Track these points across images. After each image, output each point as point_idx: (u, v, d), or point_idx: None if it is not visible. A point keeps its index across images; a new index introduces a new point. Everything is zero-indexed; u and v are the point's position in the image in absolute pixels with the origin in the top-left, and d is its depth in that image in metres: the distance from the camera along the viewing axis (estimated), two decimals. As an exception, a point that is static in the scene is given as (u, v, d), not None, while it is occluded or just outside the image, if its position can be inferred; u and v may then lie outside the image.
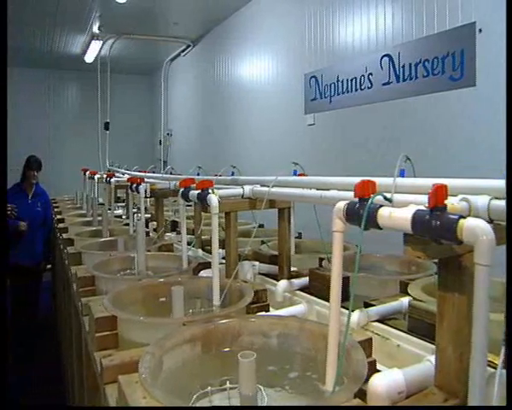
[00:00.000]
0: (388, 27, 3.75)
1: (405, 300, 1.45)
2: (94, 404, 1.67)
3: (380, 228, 0.91)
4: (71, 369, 2.80)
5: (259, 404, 0.99)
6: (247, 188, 1.70)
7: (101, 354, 1.18)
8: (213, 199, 1.46)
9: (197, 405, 1.00)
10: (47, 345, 4.94)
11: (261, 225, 2.70)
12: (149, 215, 3.28)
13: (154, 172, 3.52)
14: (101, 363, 1.13)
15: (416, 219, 0.82)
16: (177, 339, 1.07)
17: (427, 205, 0.83)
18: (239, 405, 0.97)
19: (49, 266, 5.52)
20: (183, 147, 8.58)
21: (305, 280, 1.75)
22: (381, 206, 0.91)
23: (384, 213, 0.89)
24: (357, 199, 0.96)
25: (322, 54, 4.61)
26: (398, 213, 0.86)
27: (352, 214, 0.95)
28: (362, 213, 0.92)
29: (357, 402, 0.88)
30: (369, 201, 0.92)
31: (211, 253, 2.26)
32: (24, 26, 7.12)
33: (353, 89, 4.10)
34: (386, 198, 0.95)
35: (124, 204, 4.49)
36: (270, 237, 2.35)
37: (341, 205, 0.96)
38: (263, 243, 2.23)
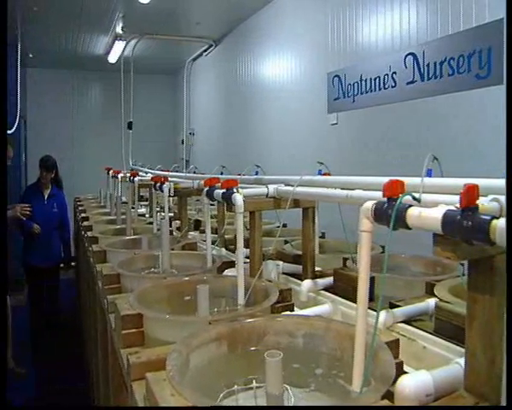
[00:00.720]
0: (413, 25, 3.71)
1: (431, 301, 1.43)
2: (120, 401, 1.69)
3: (408, 228, 0.90)
4: (96, 367, 2.84)
5: (286, 404, 0.98)
6: (272, 187, 1.69)
7: (128, 352, 1.19)
8: (238, 198, 1.46)
9: (223, 403, 1.00)
10: (71, 343, 4.98)
11: (284, 225, 2.70)
12: (172, 214, 3.30)
13: (177, 172, 3.55)
14: (128, 360, 1.15)
15: (447, 219, 0.81)
16: (203, 338, 1.08)
17: (457, 205, 0.82)
18: (265, 404, 0.97)
19: (72, 264, 5.59)
20: (205, 146, 8.61)
21: (329, 280, 1.74)
22: (410, 206, 0.90)
23: (413, 213, 0.88)
24: (385, 199, 0.95)
25: (346, 52, 4.58)
26: (428, 213, 0.85)
27: (380, 214, 0.94)
28: (390, 213, 0.91)
29: (385, 403, 0.87)
30: (398, 200, 0.91)
31: (234, 252, 2.29)
32: (49, 29, 7.25)
33: (377, 88, 4.07)
34: (414, 198, 0.94)
35: (147, 203, 4.54)
36: (293, 237, 2.35)
37: (369, 205, 0.96)
38: (286, 242, 2.22)
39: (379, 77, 4.03)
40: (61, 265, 5.28)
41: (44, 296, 4.98)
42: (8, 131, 6.34)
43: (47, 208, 4.96)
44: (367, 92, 4.21)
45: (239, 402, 1.01)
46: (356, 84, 4.33)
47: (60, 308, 5.26)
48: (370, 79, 4.14)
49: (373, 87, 4.12)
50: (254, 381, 1.05)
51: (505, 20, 1.30)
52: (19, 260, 5.10)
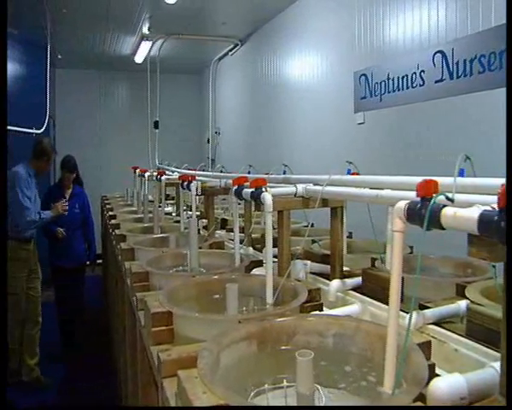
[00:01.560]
0: (441, 22, 3.65)
1: (463, 303, 1.41)
2: (148, 397, 1.71)
3: (442, 228, 0.89)
4: (124, 364, 2.87)
5: (317, 404, 0.98)
6: (300, 187, 1.69)
7: (159, 349, 1.20)
8: (267, 197, 1.46)
9: (254, 402, 1.00)
10: (98, 341, 5.06)
11: (310, 224, 2.69)
12: (198, 213, 3.32)
13: (203, 171, 3.56)
14: (158, 357, 1.16)
15: (484, 219, 0.80)
16: (233, 336, 1.08)
17: (493, 205, 0.80)
18: (296, 404, 0.97)
19: (98, 261, 5.64)
20: (230, 145, 8.64)
21: (357, 280, 1.73)
22: (445, 206, 0.89)
23: (448, 214, 0.87)
24: (418, 198, 0.94)
25: (372, 51, 4.53)
26: (464, 214, 0.84)
27: (413, 214, 0.93)
28: (424, 214, 0.90)
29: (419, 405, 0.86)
30: (432, 200, 0.90)
31: (261, 251, 2.29)
32: (77, 30, 7.37)
33: (404, 87, 4.02)
34: (448, 198, 0.93)
35: (173, 201, 4.57)
36: (320, 237, 2.34)
37: (402, 204, 0.94)
38: (313, 242, 2.21)
39: (406, 75, 3.98)
40: (87, 263, 5.24)
41: (69, 295, 4.95)
42: (38, 131, 6.47)
43: (68, 209, 4.83)
44: (394, 91, 4.16)
45: (270, 401, 1.02)
46: (383, 83, 4.28)
47: (84, 307, 5.24)
48: (398, 77, 4.09)
49: (400, 86, 4.07)
50: (285, 380, 1.04)
51: (506, 20, 1.28)
52: (45, 261, 5.13)
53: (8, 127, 6.23)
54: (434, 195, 0.92)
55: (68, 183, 4.95)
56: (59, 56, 8.34)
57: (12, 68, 6.97)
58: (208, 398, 0.85)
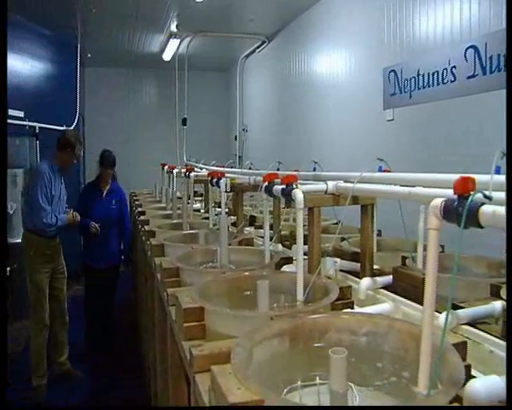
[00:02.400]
0: (474, 16, 3.57)
1: (498, 303, 1.38)
2: (178, 392, 1.73)
3: (480, 227, 0.87)
4: (152, 360, 2.91)
5: (350, 402, 0.98)
6: (331, 184, 1.68)
7: (191, 344, 1.21)
8: (298, 194, 1.46)
9: (287, 398, 1.01)
10: (127, 336, 5.04)
11: (339, 221, 2.68)
12: (227, 210, 3.33)
13: (232, 167, 3.57)
14: (190, 352, 1.16)
15: (525, 218, 0.78)
16: (266, 333, 1.08)
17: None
18: (329, 401, 0.97)
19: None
20: (258, 142, 8.64)
21: (388, 279, 1.71)
22: (483, 203, 0.87)
23: (487, 212, 0.85)
24: (454, 196, 0.92)
25: (402, 47, 4.47)
26: (503, 212, 0.82)
27: (450, 212, 0.91)
28: (461, 211, 0.88)
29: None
30: (470, 198, 0.89)
31: (289, 248, 2.29)
32: (106, 29, 7.49)
33: (435, 83, 3.95)
34: (485, 196, 0.91)
35: (200, 198, 4.60)
36: (349, 234, 2.32)
37: (438, 202, 0.93)
38: (343, 239, 2.20)
39: (437, 71, 3.92)
40: (121, 263, 5.03)
41: (100, 297, 4.71)
42: (68, 128, 6.59)
43: (105, 205, 4.71)
44: (424, 87, 4.10)
45: (302, 398, 1.01)
46: (413, 80, 4.22)
47: (114, 311, 4.98)
48: (428, 73, 4.03)
49: (431, 82, 4.01)
50: (318, 377, 1.04)
51: (505, 20, 1.25)
52: (74, 259, 4.98)
53: (40, 125, 6.41)
54: (472, 192, 0.90)
55: (108, 178, 4.76)
56: (88, 55, 8.48)
57: (44, 68, 7.11)
58: (242, 394, 0.85)
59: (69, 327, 4.19)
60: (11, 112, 6.09)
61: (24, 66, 6.59)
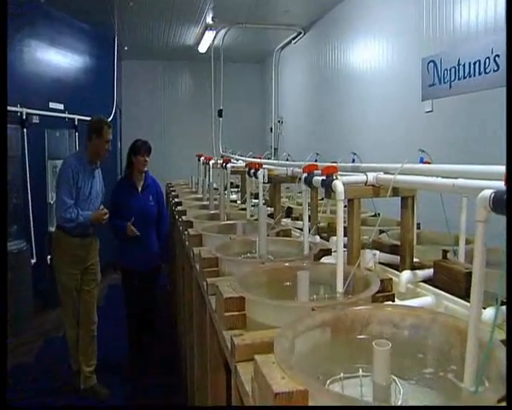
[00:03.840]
0: (519, 1, 3.45)
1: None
2: (217, 381, 1.75)
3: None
4: (190, 349, 2.94)
5: (393, 395, 0.97)
6: (371, 175, 1.66)
7: (232, 333, 1.22)
8: (339, 185, 1.45)
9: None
10: (165, 330, 5.05)
11: (378, 214, 2.65)
12: (263, 201, 3.33)
13: (268, 159, 3.57)
14: (232, 341, 1.18)
15: None
16: (308, 323, 1.08)
17: None
18: (371, 394, 0.96)
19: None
20: (293, 134, 8.61)
21: (428, 272, 1.68)
22: (535, 196, 0.84)
23: (541, 204, 0.83)
24: (504, 188, 0.90)
25: (442, 36, 4.36)
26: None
27: (500, 204, 0.89)
28: (513, 203, 0.86)
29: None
30: (522, 190, 0.86)
31: (327, 240, 2.28)
32: (143, 22, 7.58)
33: (476, 73, 3.85)
34: (537, 188, 0.88)
35: (237, 189, 4.62)
36: (388, 226, 2.30)
37: (487, 193, 0.91)
38: (381, 232, 2.18)
39: (479, 61, 3.81)
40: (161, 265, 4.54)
41: (140, 300, 4.24)
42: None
43: (142, 202, 4.18)
44: (465, 78, 4.00)
45: (345, 389, 1.01)
46: (453, 70, 4.12)
47: (155, 314, 4.59)
48: (469, 63, 3.93)
49: (472, 72, 3.91)
50: (361, 370, 1.04)
51: (505, 20, 1.19)
52: (107, 260, 4.82)
53: (79, 117, 6.55)
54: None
55: (143, 168, 4.18)
56: (125, 48, 8.61)
57: (83, 61, 7.26)
58: (287, 383, 0.85)
59: (99, 331, 3.94)
60: (52, 105, 6.26)
61: (64, 59, 6.75)
